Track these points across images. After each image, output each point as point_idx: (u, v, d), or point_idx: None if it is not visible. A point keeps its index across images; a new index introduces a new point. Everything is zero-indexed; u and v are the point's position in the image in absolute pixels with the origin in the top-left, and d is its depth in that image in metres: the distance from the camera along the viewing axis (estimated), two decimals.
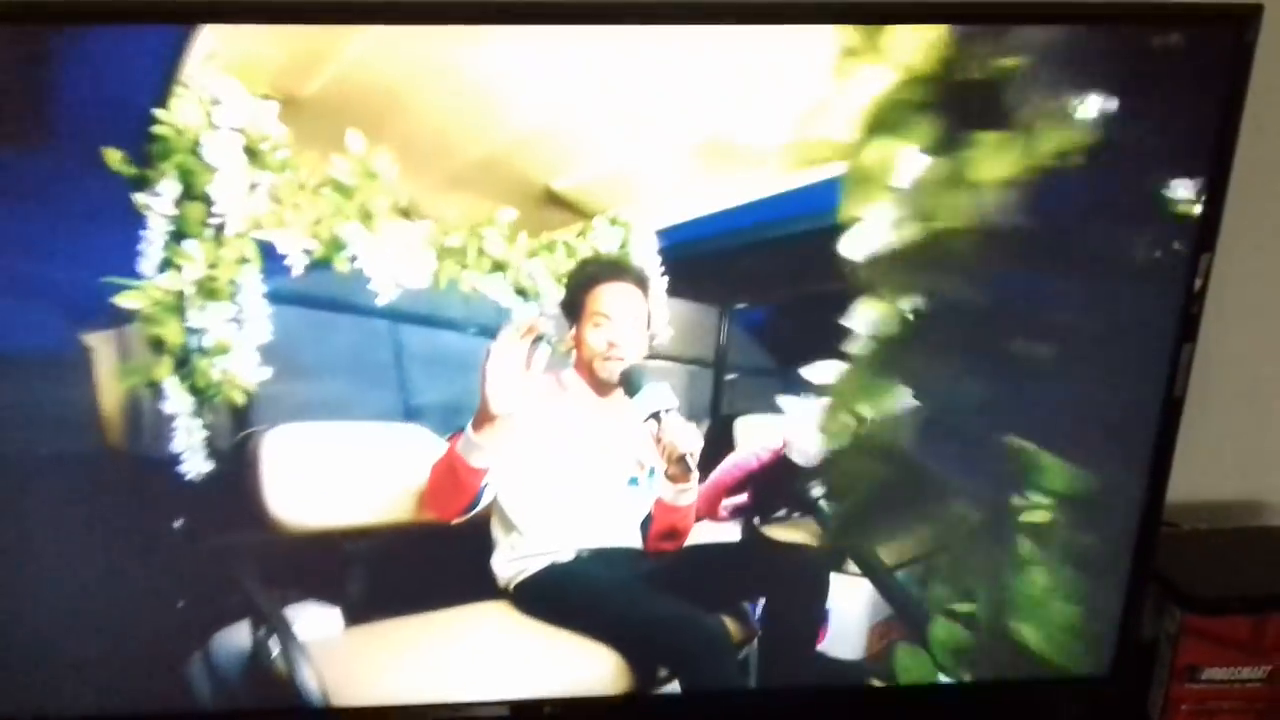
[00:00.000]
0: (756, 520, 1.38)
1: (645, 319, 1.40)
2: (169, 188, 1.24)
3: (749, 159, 1.24)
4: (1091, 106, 1.04)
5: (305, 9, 1.14)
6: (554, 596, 1.35)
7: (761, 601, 1.39)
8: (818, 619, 1.36)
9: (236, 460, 1.27)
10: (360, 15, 1.07)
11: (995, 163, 1.09)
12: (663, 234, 1.32)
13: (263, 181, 1.25)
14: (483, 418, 1.25)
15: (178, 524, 1.36)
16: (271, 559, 1.30)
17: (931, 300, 1.15)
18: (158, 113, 1.19)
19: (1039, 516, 1.19)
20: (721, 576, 1.40)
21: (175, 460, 1.32)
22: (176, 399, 1.34)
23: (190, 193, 1.25)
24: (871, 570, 1.30)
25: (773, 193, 1.25)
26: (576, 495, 1.36)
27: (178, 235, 1.28)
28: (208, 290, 1.31)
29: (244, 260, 1.30)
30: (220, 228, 1.29)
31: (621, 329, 1.38)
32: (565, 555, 1.37)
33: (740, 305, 1.41)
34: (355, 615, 1.32)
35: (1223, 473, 1.41)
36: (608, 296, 1.39)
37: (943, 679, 1.26)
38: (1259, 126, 1.04)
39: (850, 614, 1.35)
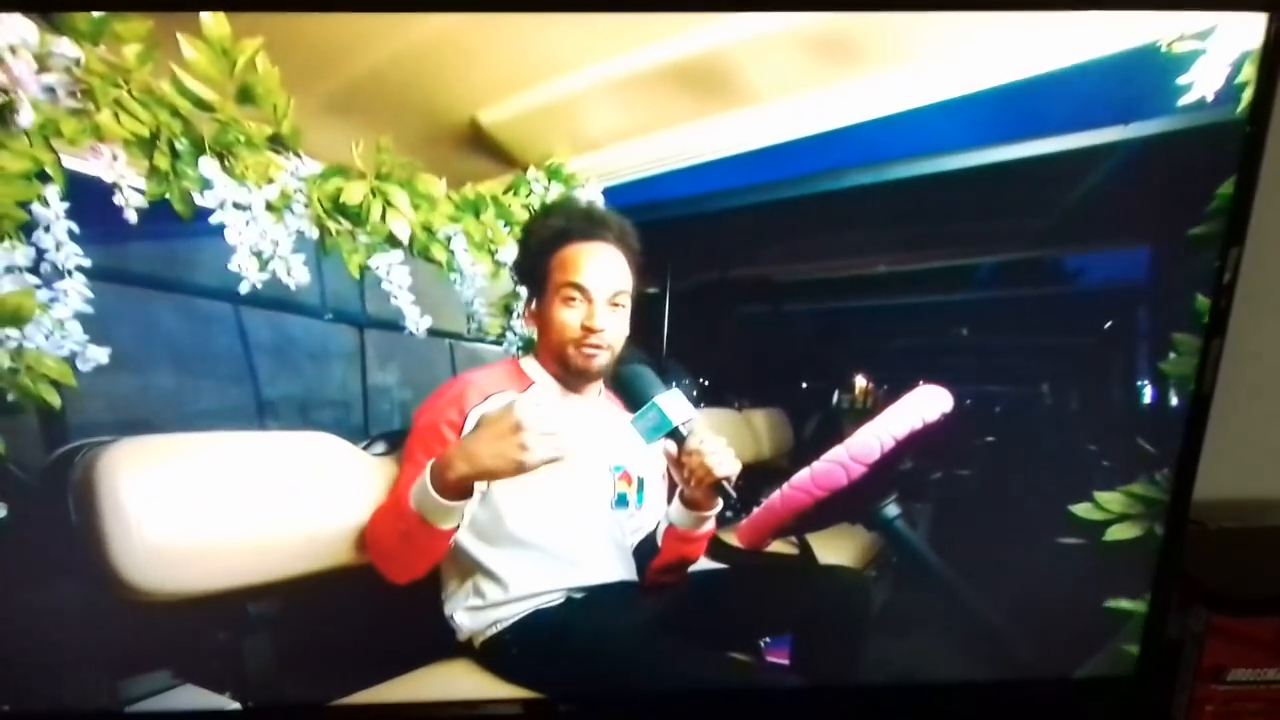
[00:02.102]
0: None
1: (630, 292, 1.03)
2: None
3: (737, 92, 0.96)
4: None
5: None
6: (545, 653, 1.06)
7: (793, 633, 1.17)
8: (858, 639, 1.16)
9: (50, 494, 0.89)
10: None
11: None
12: (613, 193, 1.01)
13: (63, 55, 0.84)
14: (462, 484, 0.95)
15: None
16: (123, 637, 0.96)
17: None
18: None
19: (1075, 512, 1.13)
20: (755, 609, 1.16)
21: None
22: None
23: None
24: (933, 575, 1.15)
25: (770, 144, 0.99)
26: (555, 521, 1.07)
27: None
28: None
29: (39, 174, 0.87)
30: None
31: (601, 308, 1.01)
32: (552, 599, 1.08)
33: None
34: (263, 708, 0.92)
35: (1251, 470, 1.35)
36: (582, 261, 1.01)
37: (970, 677, 1.21)
38: None
39: None
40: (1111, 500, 1.11)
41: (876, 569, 1.22)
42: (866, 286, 1.09)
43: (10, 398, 0.87)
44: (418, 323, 1.02)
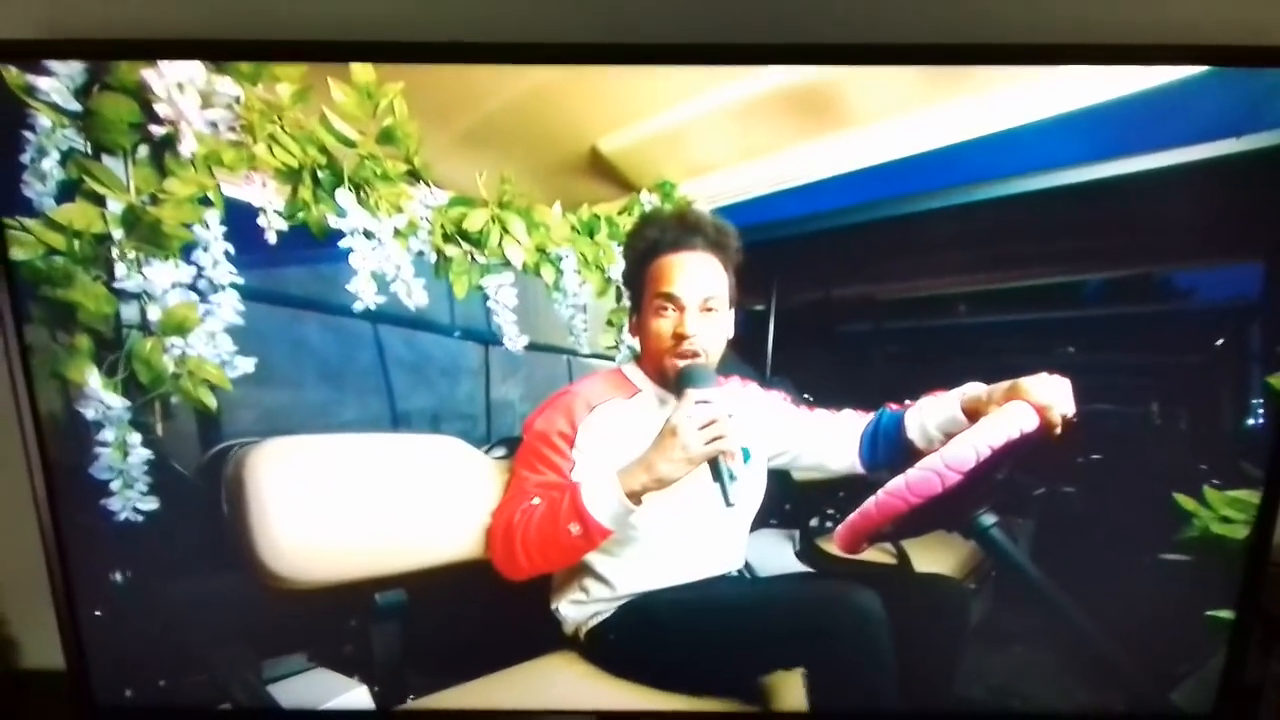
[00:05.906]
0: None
1: (728, 297, 1.03)
2: (68, 64, 0.87)
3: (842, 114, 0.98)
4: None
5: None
6: (640, 645, 1.08)
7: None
8: (954, 647, 1.15)
9: (204, 490, 0.97)
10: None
11: None
12: (722, 214, 1.04)
13: (226, 93, 0.91)
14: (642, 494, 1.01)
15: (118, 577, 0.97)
16: (262, 624, 1.03)
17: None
18: None
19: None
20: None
21: (99, 490, 0.96)
22: (101, 399, 0.94)
23: (105, 79, 0.88)
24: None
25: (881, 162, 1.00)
26: (662, 518, 1.07)
27: (95, 148, 0.90)
28: (147, 233, 0.92)
29: (203, 199, 0.93)
30: (163, 143, 0.91)
31: (692, 314, 1.02)
32: (654, 591, 1.10)
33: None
34: (387, 693, 1.01)
35: None
36: (673, 272, 1.01)
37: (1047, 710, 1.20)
38: None
39: None
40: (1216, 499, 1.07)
41: (976, 581, 1.22)
42: (971, 303, 1.08)
43: (174, 400, 0.95)
44: (515, 340, 1.05)
